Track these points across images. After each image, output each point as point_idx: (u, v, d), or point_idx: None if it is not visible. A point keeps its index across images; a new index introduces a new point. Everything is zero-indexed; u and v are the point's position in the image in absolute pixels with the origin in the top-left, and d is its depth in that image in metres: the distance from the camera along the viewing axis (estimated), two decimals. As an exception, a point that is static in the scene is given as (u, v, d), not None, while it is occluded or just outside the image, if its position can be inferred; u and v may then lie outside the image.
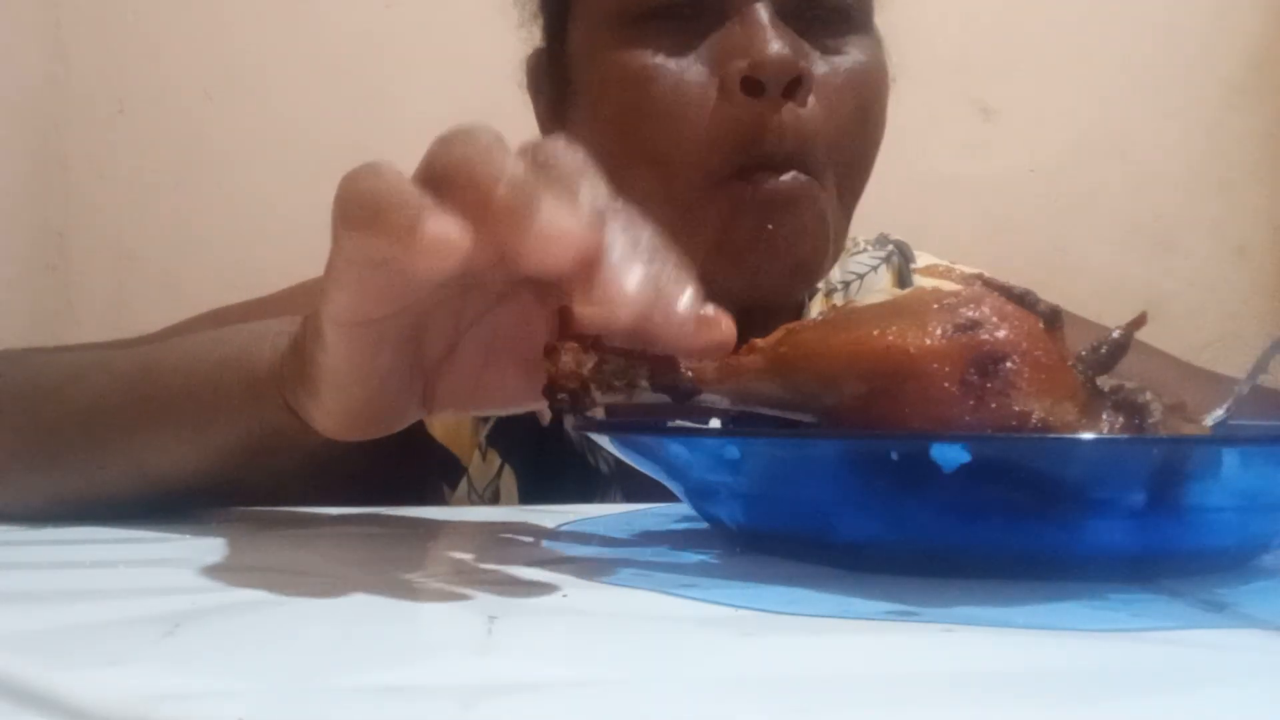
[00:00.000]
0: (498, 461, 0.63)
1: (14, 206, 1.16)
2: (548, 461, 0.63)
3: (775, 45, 0.53)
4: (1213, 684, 0.22)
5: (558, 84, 0.62)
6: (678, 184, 0.55)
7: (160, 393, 0.46)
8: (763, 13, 0.54)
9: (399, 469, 0.61)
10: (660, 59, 0.55)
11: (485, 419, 0.63)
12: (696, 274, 0.54)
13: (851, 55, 0.57)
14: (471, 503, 0.63)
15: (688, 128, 0.54)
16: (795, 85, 0.53)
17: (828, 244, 0.57)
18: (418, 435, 0.62)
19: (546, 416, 0.63)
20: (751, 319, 0.60)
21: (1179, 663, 0.23)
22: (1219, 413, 0.35)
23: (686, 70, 0.55)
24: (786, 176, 0.54)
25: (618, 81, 0.56)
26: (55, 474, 0.47)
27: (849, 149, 0.57)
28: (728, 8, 0.55)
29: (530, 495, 0.63)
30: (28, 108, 1.19)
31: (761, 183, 0.54)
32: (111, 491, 0.46)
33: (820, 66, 0.56)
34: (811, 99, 0.55)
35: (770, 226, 0.54)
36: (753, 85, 0.53)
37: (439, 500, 0.63)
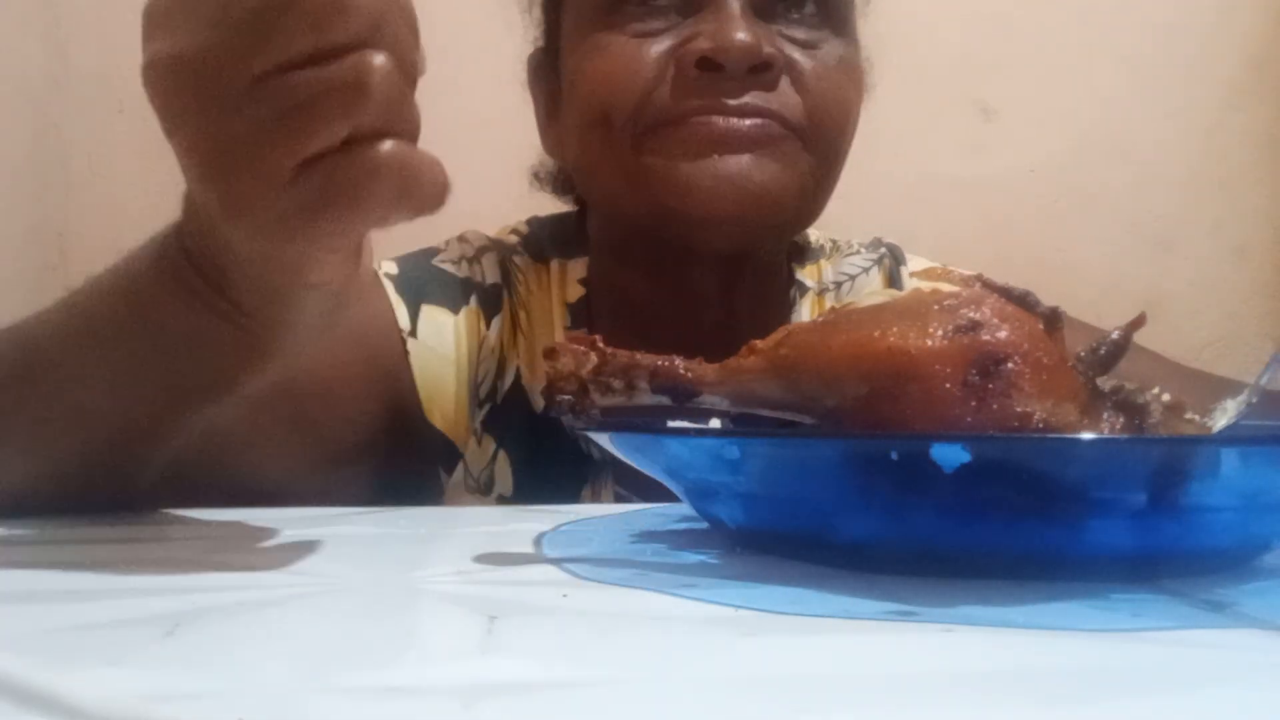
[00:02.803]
0: (492, 447, 0.64)
1: (14, 206, 1.16)
2: (542, 447, 0.64)
3: (741, 33, 0.55)
4: (1213, 684, 0.22)
5: (553, 78, 0.64)
6: (625, 134, 0.57)
7: (76, 319, 0.43)
8: (733, 4, 0.56)
9: (397, 455, 0.61)
10: (626, 39, 0.58)
11: (480, 405, 0.64)
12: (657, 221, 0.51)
13: (825, 51, 0.59)
14: (467, 487, 0.64)
15: (639, 89, 0.57)
16: (763, 69, 0.56)
17: (795, 187, 0.57)
18: (417, 422, 0.62)
19: (540, 403, 0.63)
20: (736, 296, 0.61)
21: (1179, 663, 0.23)
22: (1222, 422, 0.35)
23: (647, 47, 0.57)
24: (752, 120, 0.56)
25: (586, 61, 0.59)
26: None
27: (823, 135, 0.58)
28: (702, 1, 0.57)
29: (524, 480, 0.64)
30: (28, 108, 1.19)
31: (719, 121, 0.55)
32: (59, 453, 0.43)
33: (795, 56, 0.58)
34: (786, 84, 0.57)
35: (717, 156, 0.55)
36: (710, 65, 0.55)
37: (436, 484, 0.63)
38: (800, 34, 0.59)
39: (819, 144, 0.58)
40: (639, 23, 0.58)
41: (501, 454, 0.64)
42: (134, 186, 1.18)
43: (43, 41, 1.19)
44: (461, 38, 1.00)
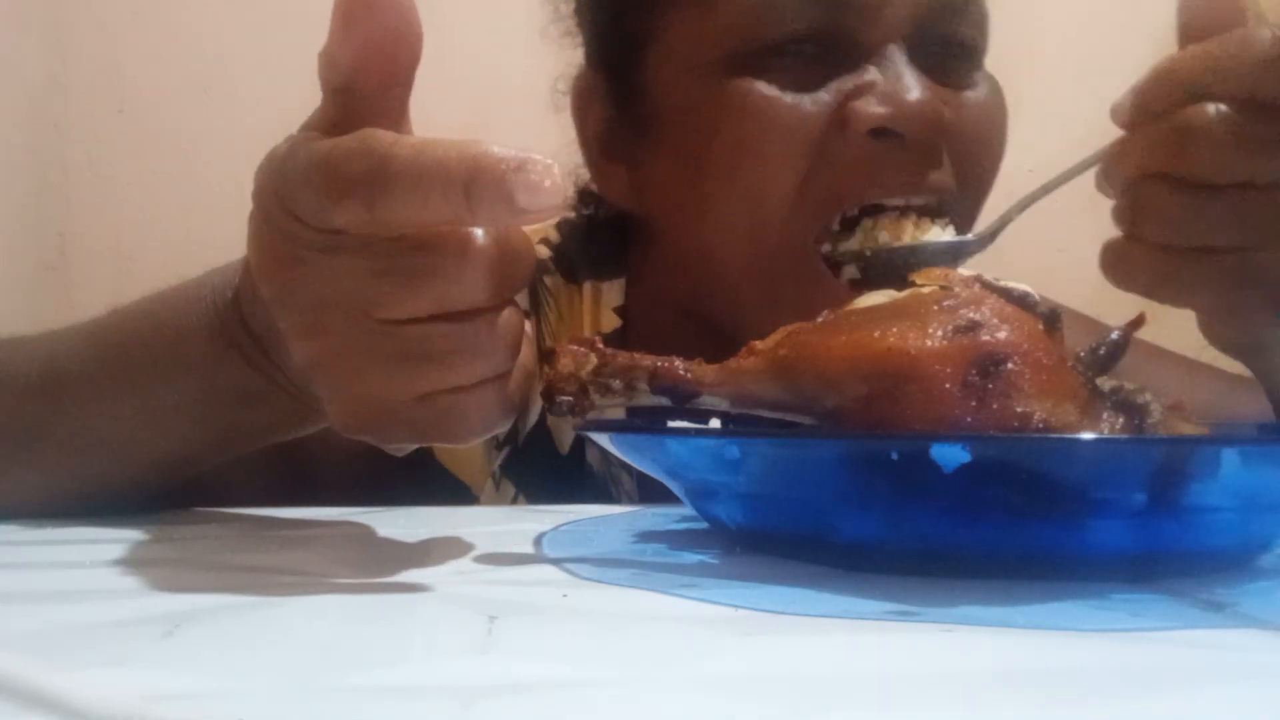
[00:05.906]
0: (511, 491, 0.60)
1: (14, 206, 1.16)
2: (564, 492, 0.59)
3: (917, 94, 0.50)
4: (1213, 684, 0.22)
5: (623, 112, 0.58)
6: (776, 224, 0.52)
7: (108, 353, 0.44)
8: (899, 56, 0.51)
9: (405, 498, 0.60)
10: (778, 92, 0.51)
11: (499, 448, 0.60)
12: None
13: (980, 91, 0.54)
14: None
15: (797, 162, 0.51)
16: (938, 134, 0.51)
17: None
18: (425, 463, 0.59)
19: (566, 444, 0.61)
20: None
21: (1179, 663, 0.23)
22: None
23: (806, 105, 0.51)
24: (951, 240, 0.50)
25: (728, 115, 0.52)
26: (24, 462, 0.45)
27: (974, 187, 0.54)
28: (860, 49, 0.51)
29: None
30: (28, 108, 1.19)
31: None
32: (84, 475, 0.44)
33: (953, 106, 0.52)
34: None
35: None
36: (885, 133, 0.50)
37: None
38: (951, 74, 0.53)
39: (972, 201, 0.54)
40: (786, 74, 0.51)
41: (521, 499, 0.60)
42: (134, 186, 1.18)
43: (43, 41, 1.19)
44: (459, 34, 1.00)
